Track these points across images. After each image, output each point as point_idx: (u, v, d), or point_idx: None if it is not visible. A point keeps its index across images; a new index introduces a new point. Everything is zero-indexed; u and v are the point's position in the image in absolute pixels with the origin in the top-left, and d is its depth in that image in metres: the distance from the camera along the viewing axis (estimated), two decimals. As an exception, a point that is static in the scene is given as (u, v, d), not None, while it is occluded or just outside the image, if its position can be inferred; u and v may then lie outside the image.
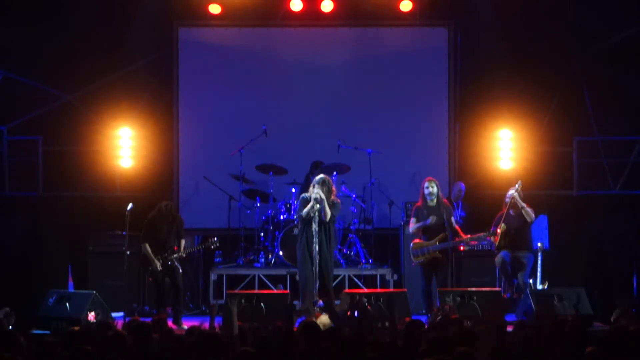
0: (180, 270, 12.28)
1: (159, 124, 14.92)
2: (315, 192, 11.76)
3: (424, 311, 12.66)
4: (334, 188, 12.09)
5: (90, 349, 7.02)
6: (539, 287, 12.51)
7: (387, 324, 10.96)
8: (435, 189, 12.30)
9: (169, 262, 12.10)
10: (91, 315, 11.48)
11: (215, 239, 12.46)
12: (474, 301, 11.52)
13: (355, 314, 11.13)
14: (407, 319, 8.36)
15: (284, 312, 9.97)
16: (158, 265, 12.08)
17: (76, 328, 8.27)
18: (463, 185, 14.20)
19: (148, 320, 8.73)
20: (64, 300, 11.76)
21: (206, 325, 8.67)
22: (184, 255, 12.32)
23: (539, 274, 12.64)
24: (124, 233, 12.67)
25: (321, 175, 12.09)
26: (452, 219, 12.36)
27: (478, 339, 7.16)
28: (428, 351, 6.77)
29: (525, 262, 12.47)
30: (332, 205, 11.87)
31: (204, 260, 13.97)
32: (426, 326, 8.44)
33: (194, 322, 10.75)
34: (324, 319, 10.98)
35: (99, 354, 7.05)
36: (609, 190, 14.57)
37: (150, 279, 12.37)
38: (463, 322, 8.53)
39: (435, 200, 12.32)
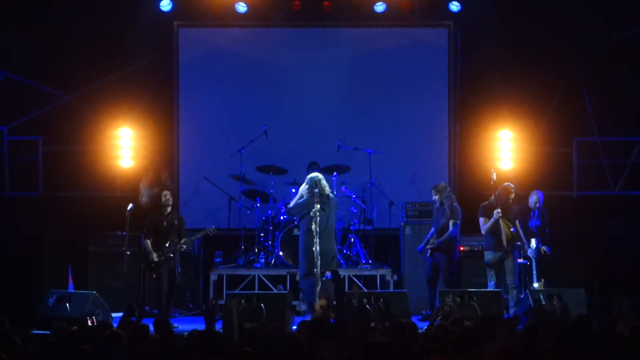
0: (179, 270, 12.30)
1: (159, 124, 14.93)
2: (315, 207, 12.11)
3: (423, 312, 12.72)
4: (324, 188, 12.33)
5: (89, 349, 7.02)
6: (535, 285, 12.52)
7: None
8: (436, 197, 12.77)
9: (170, 254, 12.10)
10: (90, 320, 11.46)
11: (213, 226, 12.47)
12: (474, 302, 11.54)
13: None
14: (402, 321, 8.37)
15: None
16: (155, 256, 12.11)
17: (74, 328, 8.28)
18: (541, 194, 13.32)
19: (149, 321, 8.75)
20: (64, 300, 11.76)
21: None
22: (184, 246, 12.28)
23: (534, 272, 12.63)
24: (124, 233, 12.70)
25: (312, 181, 12.36)
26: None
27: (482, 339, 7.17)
28: (430, 352, 6.79)
29: (511, 262, 12.57)
30: (329, 206, 12.23)
31: (204, 261, 13.99)
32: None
33: (195, 323, 10.78)
34: (322, 302, 11.19)
35: (98, 353, 7.06)
36: (608, 191, 14.57)
37: (154, 276, 12.33)
38: (463, 323, 8.56)
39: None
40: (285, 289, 13.29)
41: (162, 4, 14.62)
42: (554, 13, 14.51)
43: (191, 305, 13.60)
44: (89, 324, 11.29)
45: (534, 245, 12.69)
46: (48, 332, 10.88)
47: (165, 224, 12.26)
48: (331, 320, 8.31)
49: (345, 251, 13.99)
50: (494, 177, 12.72)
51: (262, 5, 14.68)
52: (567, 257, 14.01)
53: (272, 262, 13.80)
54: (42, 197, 14.56)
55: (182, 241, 12.28)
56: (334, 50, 15.04)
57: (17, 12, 14.45)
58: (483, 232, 12.62)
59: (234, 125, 14.82)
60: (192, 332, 8.06)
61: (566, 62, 14.64)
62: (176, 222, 12.34)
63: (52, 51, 14.48)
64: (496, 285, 12.46)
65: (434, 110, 14.99)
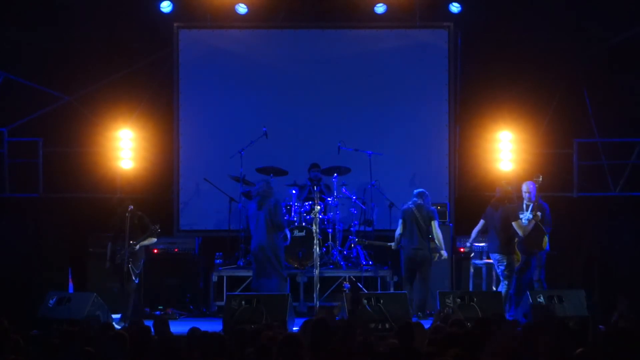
0: (137, 270, 12.24)
1: (159, 125, 14.93)
2: (315, 209, 12.55)
3: (421, 314, 12.72)
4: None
5: (91, 350, 7.03)
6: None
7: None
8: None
9: (121, 259, 12.13)
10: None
11: (157, 225, 12.42)
12: (474, 303, 11.53)
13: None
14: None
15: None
16: (107, 264, 12.26)
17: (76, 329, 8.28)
18: (531, 184, 12.85)
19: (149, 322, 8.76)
20: (64, 301, 11.76)
21: None
22: (136, 247, 12.21)
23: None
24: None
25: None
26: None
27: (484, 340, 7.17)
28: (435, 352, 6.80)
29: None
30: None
31: (204, 262, 13.99)
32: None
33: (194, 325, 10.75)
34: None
35: (100, 354, 7.06)
36: (609, 192, 14.57)
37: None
38: (465, 324, 8.56)
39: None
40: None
41: (162, 5, 14.64)
42: (554, 14, 14.51)
43: (192, 307, 13.59)
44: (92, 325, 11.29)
45: None
46: (48, 333, 10.86)
47: (123, 224, 12.22)
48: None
49: (345, 252, 13.98)
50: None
51: (262, 6, 14.69)
52: (567, 257, 14.01)
53: (272, 263, 13.77)
54: (42, 199, 14.55)
55: (133, 244, 12.20)
56: (334, 52, 15.03)
57: (18, 13, 14.46)
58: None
59: (234, 127, 14.82)
60: (193, 331, 8.07)
61: (566, 62, 14.65)
62: (136, 221, 12.32)
63: (52, 52, 14.51)
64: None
65: (434, 111, 14.98)
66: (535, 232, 12.55)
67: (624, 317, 9.61)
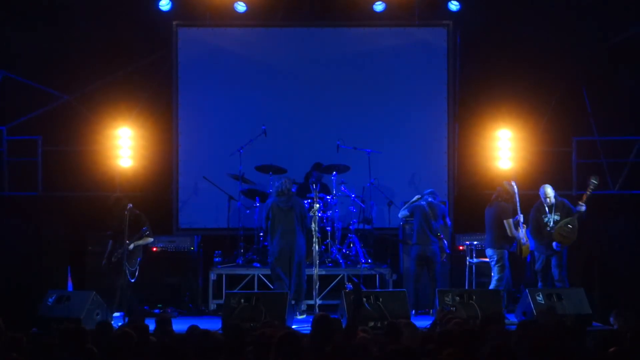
0: (132, 268, 12.23)
1: (158, 123, 14.93)
2: (314, 207, 12.50)
3: (421, 311, 12.74)
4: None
5: (93, 349, 7.03)
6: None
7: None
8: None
9: (116, 257, 12.16)
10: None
11: (145, 227, 12.39)
12: (473, 301, 11.53)
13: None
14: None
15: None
16: (104, 262, 12.31)
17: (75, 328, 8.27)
18: (549, 187, 12.85)
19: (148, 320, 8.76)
20: (63, 300, 11.77)
21: None
22: (130, 247, 12.20)
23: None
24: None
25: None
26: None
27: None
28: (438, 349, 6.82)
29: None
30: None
31: (203, 260, 14.00)
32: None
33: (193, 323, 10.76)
34: None
35: (103, 354, 7.07)
36: (608, 190, 14.57)
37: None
38: (468, 323, 8.58)
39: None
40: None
41: (161, 3, 14.63)
42: (553, 13, 14.52)
43: (190, 305, 13.59)
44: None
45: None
46: (48, 332, 10.88)
47: (122, 222, 12.22)
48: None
49: (344, 250, 13.99)
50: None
51: (261, 4, 14.69)
52: (566, 256, 13.99)
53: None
54: (41, 197, 14.54)
55: (128, 245, 12.21)
56: (333, 50, 15.05)
57: (17, 12, 14.46)
58: (511, 234, 12.64)
59: (233, 125, 14.82)
60: (192, 329, 8.07)
61: (565, 61, 14.66)
62: (133, 219, 12.28)
63: (51, 51, 14.50)
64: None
65: (433, 109, 14.99)
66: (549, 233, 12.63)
67: (623, 317, 9.54)
